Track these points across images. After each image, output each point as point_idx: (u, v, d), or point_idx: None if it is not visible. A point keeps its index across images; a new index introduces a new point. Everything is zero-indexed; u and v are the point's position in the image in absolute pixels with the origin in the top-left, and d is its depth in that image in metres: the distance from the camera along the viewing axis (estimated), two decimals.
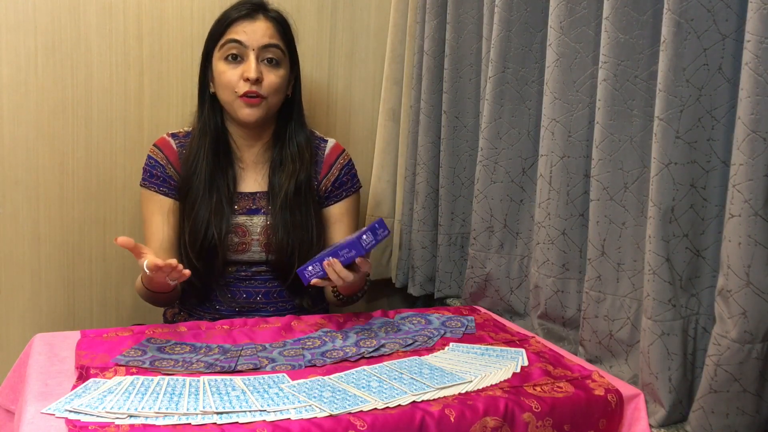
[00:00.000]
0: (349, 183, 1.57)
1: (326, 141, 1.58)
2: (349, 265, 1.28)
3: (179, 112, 1.72)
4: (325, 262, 1.26)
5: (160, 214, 1.46)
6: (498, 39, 1.41)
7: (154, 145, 1.51)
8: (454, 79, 1.60)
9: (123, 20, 1.65)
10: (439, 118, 1.66)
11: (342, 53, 1.86)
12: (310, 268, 1.29)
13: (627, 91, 1.14)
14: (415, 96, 1.74)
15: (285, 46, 1.47)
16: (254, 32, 1.43)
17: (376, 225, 1.28)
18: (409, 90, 1.78)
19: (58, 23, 1.60)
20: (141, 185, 1.49)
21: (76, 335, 1.21)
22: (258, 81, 1.42)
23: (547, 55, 1.29)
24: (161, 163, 1.48)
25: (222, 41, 1.45)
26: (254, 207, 1.50)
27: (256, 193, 1.51)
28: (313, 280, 1.29)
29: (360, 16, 1.86)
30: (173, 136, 1.52)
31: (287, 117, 1.52)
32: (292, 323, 1.31)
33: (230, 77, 1.43)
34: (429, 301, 1.77)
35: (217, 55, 1.46)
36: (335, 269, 1.26)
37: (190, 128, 1.52)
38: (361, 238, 1.25)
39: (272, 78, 1.44)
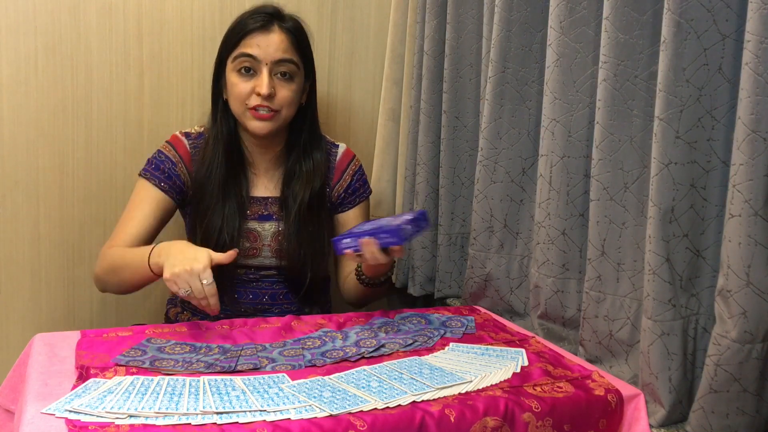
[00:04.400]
0: (361, 189, 1.57)
1: (337, 146, 1.58)
2: (384, 249, 1.27)
3: (179, 113, 1.72)
4: (362, 240, 1.26)
5: (149, 205, 1.44)
6: (498, 39, 1.41)
7: (167, 142, 1.49)
8: (454, 79, 1.60)
9: (123, 20, 1.65)
10: (439, 118, 1.66)
11: (342, 53, 1.86)
12: (346, 240, 1.29)
13: (627, 91, 1.14)
14: (415, 96, 1.74)
15: (299, 58, 1.45)
16: (268, 46, 1.41)
17: (420, 216, 1.29)
18: (409, 90, 1.78)
19: (58, 23, 1.60)
20: (141, 174, 1.47)
21: (76, 335, 1.21)
22: (270, 96, 1.40)
23: (547, 55, 1.29)
24: (173, 160, 1.47)
25: (235, 53, 1.42)
26: (266, 213, 1.49)
27: (268, 198, 1.50)
28: (346, 251, 1.29)
29: (360, 16, 1.86)
30: (186, 135, 1.50)
31: (301, 125, 1.51)
32: (292, 323, 1.31)
33: (242, 90, 1.41)
34: (429, 301, 1.77)
35: (230, 66, 1.44)
36: (371, 249, 1.26)
37: (201, 128, 1.52)
38: (401, 228, 1.24)
39: (284, 93, 1.42)
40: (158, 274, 1.28)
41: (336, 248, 1.32)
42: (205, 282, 1.19)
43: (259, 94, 1.40)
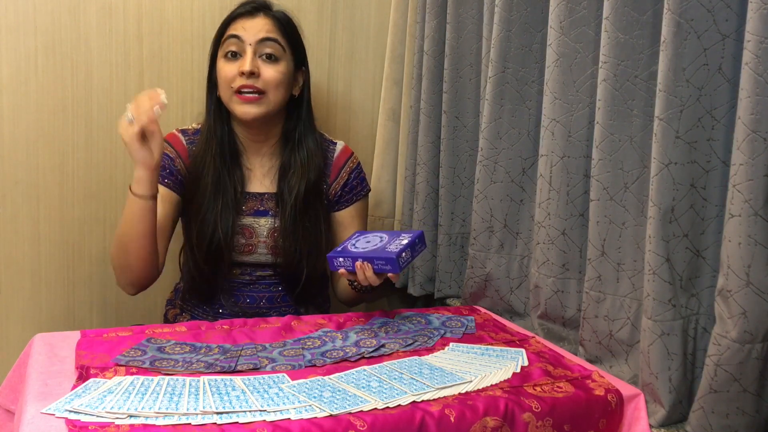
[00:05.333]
0: (359, 187, 1.56)
1: (335, 144, 1.57)
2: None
3: (179, 113, 1.72)
4: (357, 264, 1.28)
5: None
6: (498, 39, 1.41)
7: (164, 139, 1.49)
8: (454, 79, 1.60)
9: (123, 20, 1.65)
10: (439, 118, 1.66)
11: (342, 53, 1.86)
12: (341, 259, 1.30)
13: (627, 91, 1.14)
14: (415, 96, 1.74)
15: (286, 42, 1.46)
16: (252, 27, 1.43)
17: (416, 240, 1.30)
18: (409, 90, 1.78)
19: (58, 23, 1.60)
20: None
21: (76, 335, 1.21)
22: (253, 74, 1.40)
23: (547, 55, 1.29)
24: (170, 156, 1.47)
25: (222, 38, 1.45)
26: (262, 209, 1.49)
27: (264, 194, 1.50)
28: (340, 270, 1.31)
29: (360, 16, 1.86)
30: (183, 132, 1.51)
31: (296, 119, 1.50)
32: (292, 323, 1.31)
33: (227, 72, 1.42)
34: (429, 301, 1.77)
35: (219, 54, 1.46)
36: (366, 274, 1.27)
37: (198, 125, 1.52)
38: (399, 255, 1.25)
39: (270, 72, 1.42)
40: (139, 193, 1.29)
41: (330, 264, 1.33)
42: (128, 117, 1.24)
43: (242, 73, 1.40)
